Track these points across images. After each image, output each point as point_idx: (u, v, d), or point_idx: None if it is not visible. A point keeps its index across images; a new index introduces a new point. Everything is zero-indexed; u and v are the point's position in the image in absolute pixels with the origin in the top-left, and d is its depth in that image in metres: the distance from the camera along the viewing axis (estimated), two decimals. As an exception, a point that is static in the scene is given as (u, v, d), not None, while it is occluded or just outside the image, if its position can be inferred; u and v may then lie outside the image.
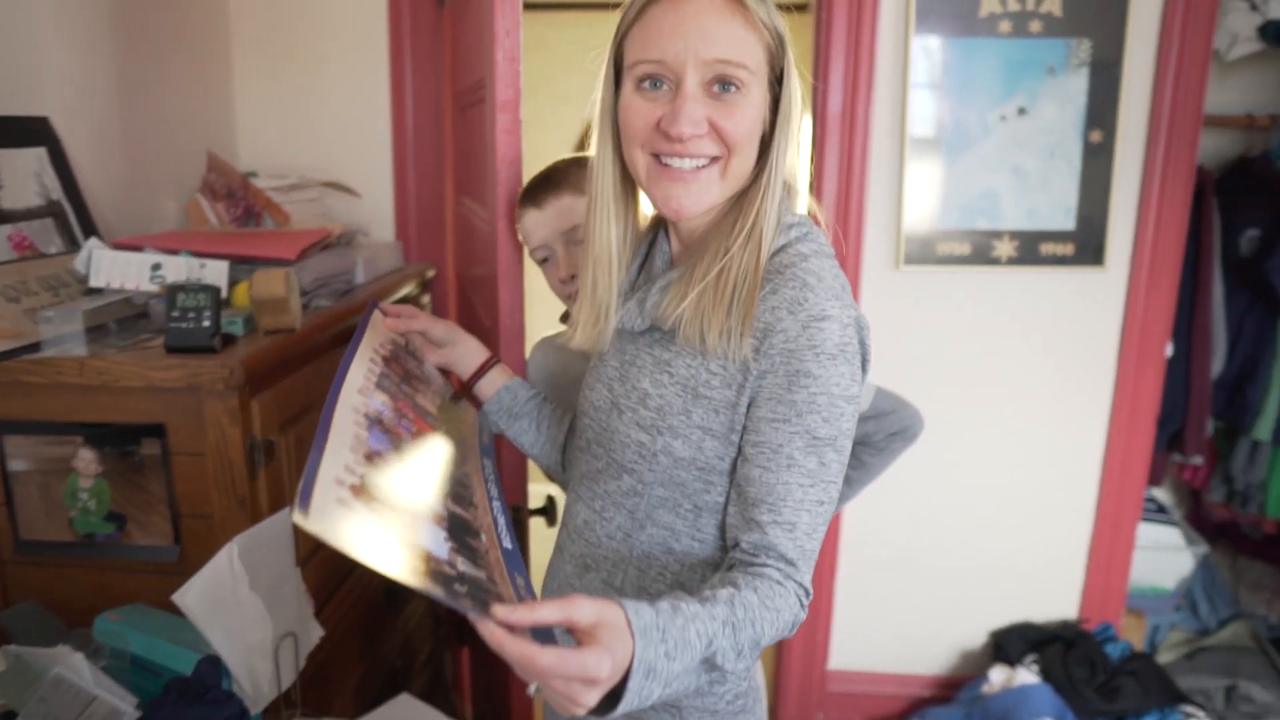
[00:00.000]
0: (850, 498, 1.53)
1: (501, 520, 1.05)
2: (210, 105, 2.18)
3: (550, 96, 4.21)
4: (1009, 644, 2.41)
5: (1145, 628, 2.65)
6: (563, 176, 1.36)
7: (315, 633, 1.38)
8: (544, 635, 0.78)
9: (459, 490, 1.03)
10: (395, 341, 1.28)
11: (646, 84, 0.98)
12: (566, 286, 1.37)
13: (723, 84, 0.95)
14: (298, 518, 0.70)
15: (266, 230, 1.88)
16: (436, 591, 0.73)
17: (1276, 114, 2.51)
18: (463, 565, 0.84)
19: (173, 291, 1.32)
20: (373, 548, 0.74)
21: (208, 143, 2.13)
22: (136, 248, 1.57)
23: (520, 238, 1.43)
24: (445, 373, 1.35)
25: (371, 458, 0.91)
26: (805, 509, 0.94)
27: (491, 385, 1.28)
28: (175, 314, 1.31)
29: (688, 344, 1.00)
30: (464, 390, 1.31)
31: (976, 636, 2.51)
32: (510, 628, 0.73)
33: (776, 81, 1.00)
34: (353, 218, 2.29)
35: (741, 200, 1.02)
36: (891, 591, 2.49)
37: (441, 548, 0.85)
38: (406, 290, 2.07)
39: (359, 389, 1.05)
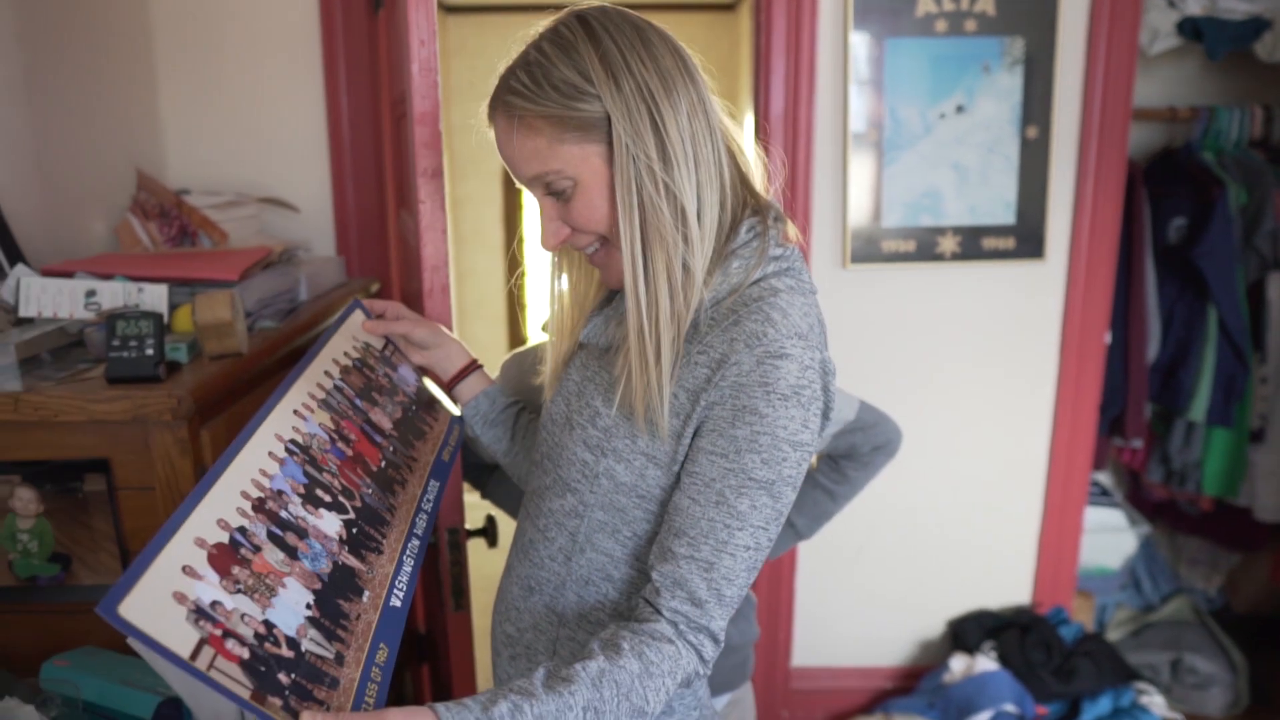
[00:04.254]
0: (834, 514, 1.52)
1: (408, 568, 1.01)
2: (135, 121, 2.10)
3: (479, 98, 4.16)
4: (967, 632, 2.45)
5: (1094, 608, 2.72)
6: None
7: (278, 667, 1.34)
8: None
9: (367, 533, 0.99)
10: (369, 346, 1.24)
11: None
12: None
13: (553, 192, 0.95)
14: (104, 605, 0.66)
15: (204, 250, 1.81)
16: (240, 693, 0.71)
17: (1197, 106, 2.60)
18: (309, 642, 0.81)
19: (112, 320, 1.26)
20: (184, 634, 0.71)
21: (135, 160, 2.05)
22: (68, 274, 1.50)
23: None
24: (427, 373, 1.32)
25: (264, 503, 0.88)
26: (728, 552, 0.89)
27: (470, 390, 1.25)
28: (116, 343, 1.25)
29: (626, 409, 0.97)
30: (444, 392, 1.29)
31: (935, 626, 2.55)
32: None
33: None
34: (292, 233, 2.23)
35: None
36: (851, 586, 2.51)
37: (293, 619, 0.82)
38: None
39: (297, 409, 1.02)
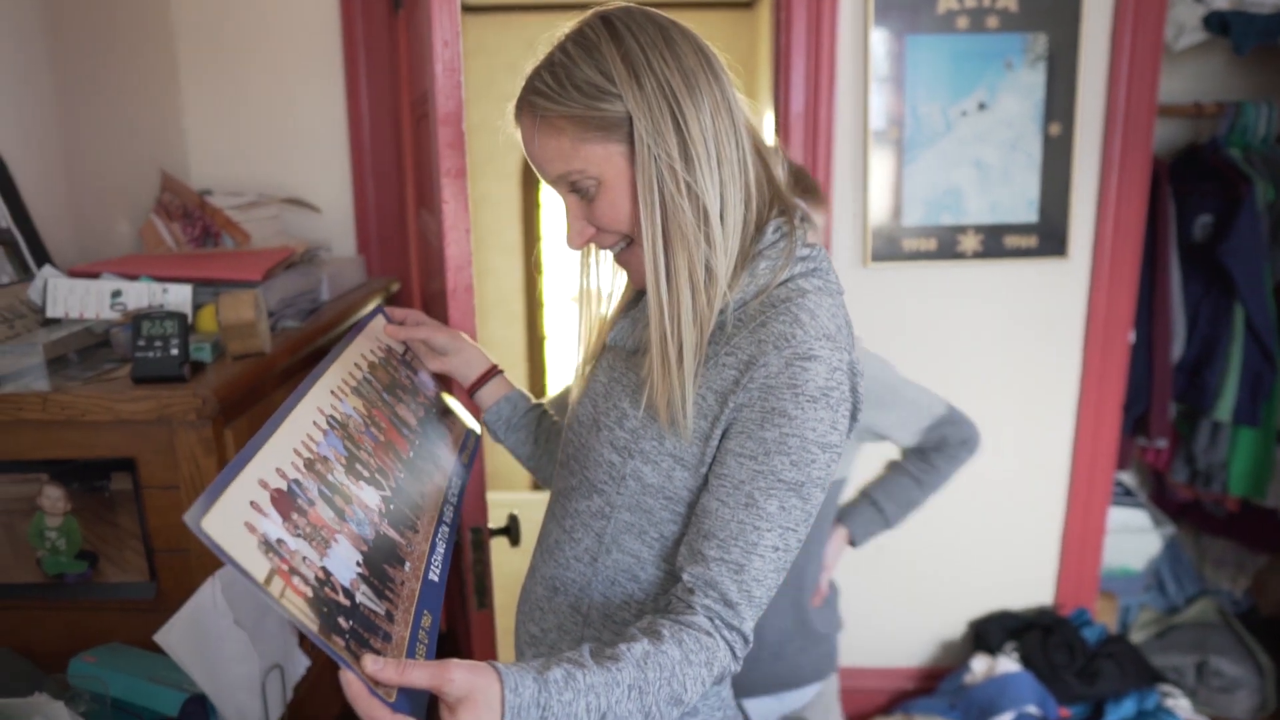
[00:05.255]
0: (920, 503, 1.67)
1: (441, 549, 1.02)
2: (158, 123, 2.12)
3: (496, 98, 4.18)
4: (988, 633, 2.44)
5: (1117, 609, 2.70)
6: None
7: (301, 664, 1.35)
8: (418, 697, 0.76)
9: (403, 511, 1.01)
10: (391, 349, 1.25)
11: None
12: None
13: (577, 191, 0.95)
14: (190, 516, 0.68)
15: (227, 250, 1.83)
16: (309, 625, 0.72)
17: (1223, 101, 2.57)
18: (362, 596, 0.82)
19: (138, 320, 1.27)
20: (257, 561, 0.72)
21: (158, 161, 2.06)
22: (94, 274, 1.51)
23: None
24: (446, 381, 1.32)
25: (313, 464, 0.89)
26: (758, 554, 0.89)
27: (491, 395, 1.25)
28: (141, 343, 1.27)
29: (652, 410, 0.96)
30: (465, 398, 1.29)
31: (956, 627, 2.54)
32: (377, 683, 0.72)
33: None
34: (313, 234, 2.25)
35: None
36: (871, 586, 2.50)
37: (347, 572, 0.83)
38: (372, 306, 2.03)
39: (332, 390, 1.04)
